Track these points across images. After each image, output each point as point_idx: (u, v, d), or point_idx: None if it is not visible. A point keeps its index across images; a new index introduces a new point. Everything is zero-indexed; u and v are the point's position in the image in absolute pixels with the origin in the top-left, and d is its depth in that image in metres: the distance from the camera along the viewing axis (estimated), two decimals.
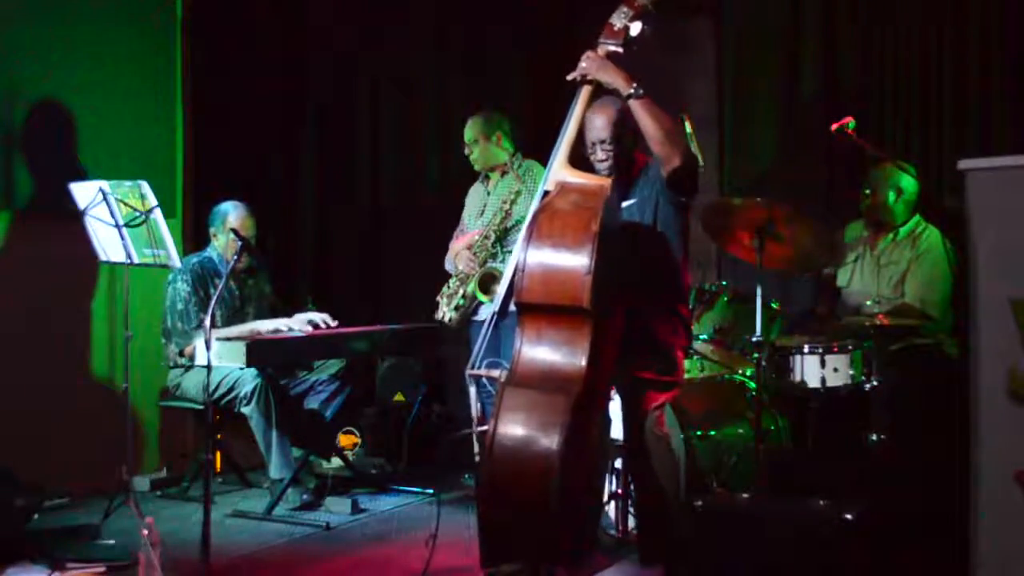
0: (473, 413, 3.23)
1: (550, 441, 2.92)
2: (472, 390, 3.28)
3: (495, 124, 4.75)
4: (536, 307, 3.09)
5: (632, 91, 3.26)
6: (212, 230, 4.82)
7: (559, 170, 3.29)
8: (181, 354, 4.71)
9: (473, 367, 3.29)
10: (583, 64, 3.34)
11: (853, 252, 4.56)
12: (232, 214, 4.75)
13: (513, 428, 2.97)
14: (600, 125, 3.43)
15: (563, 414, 2.95)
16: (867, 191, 4.49)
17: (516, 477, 2.95)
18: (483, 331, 3.34)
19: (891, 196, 4.43)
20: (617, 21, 3.35)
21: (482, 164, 4.81)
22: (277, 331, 4.57)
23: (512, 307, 3.22)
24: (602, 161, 3.43)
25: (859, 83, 5.00)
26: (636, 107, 3.26)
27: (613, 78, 3.29)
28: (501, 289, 3.32)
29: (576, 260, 3.02)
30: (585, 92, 3.34)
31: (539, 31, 5.89)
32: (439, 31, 6.01)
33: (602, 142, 3.42)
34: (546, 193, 3.27)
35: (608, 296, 3.13)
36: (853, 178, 4.69)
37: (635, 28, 3.33)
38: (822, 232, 4.05)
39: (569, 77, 3.35)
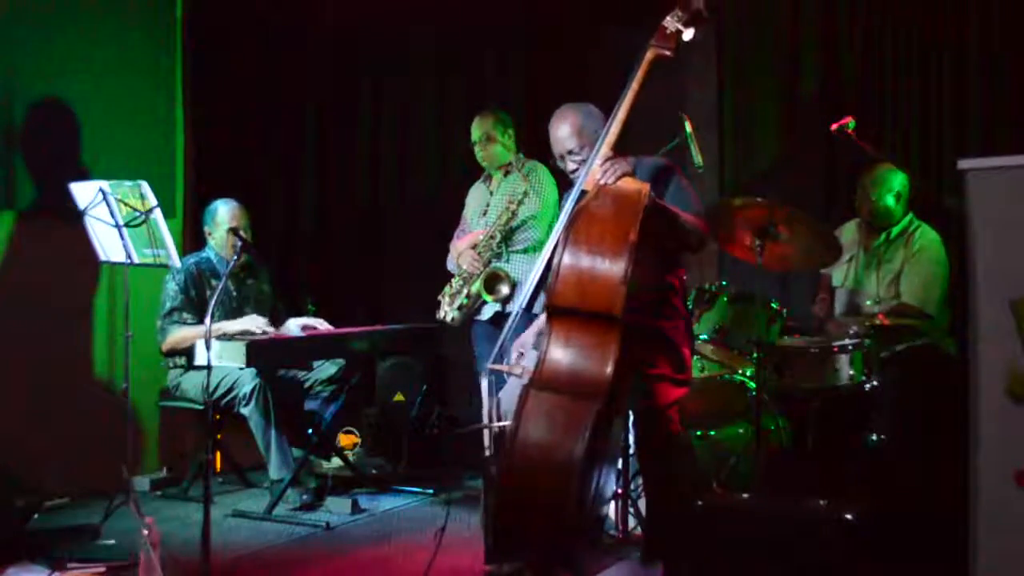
0: (485, 408, 3.22)
1: (573, 447, 2.90)
2: (484, 384, 3.27)
3: (505, 123, 4.74)
4: (567, 311, 3.07)
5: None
6: (206, 229, 4.83)
7: (597, 171, 3.24)
8: (161, 351, 4.72)
9: (493, 361, 3.28)
10: (612, 170, 3.18)
11: (847, 252, 4.57)
12: (223, 210, 4.76)
13: (536, 431, 2.95)
14: (565, 135, 3.41)
15: (588, 421, 2.93)
16: (865, 194, 4.49)
17: (535, 480, 2.93)
18: (507, 327, 3.33)
19: (890, 199, 4.43)
20: (670, 25, 3.28)
21: (492, 163, 4.78)
22: (245, 332, 4.53)
23: (536, 308, 3.22)
24: (573, 172, 3.39)
25: (859, 83, 5.00)
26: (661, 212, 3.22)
27: (660, 208, 3.20)
28: (529, 285, 3.30)
29: (613, 268, 2.99)
30: (631, 94, 3.26)
31: (539, 31, 5.89)
32: (439, 30, 6.01)
33: (570, 152, 3.39)
34: (583, 193, 3.24)
35: (633, 300, 3.13)
36: (853, 178, 4.69)
37: (688, 34, 3.28)
38: (822, 232, 4.06)
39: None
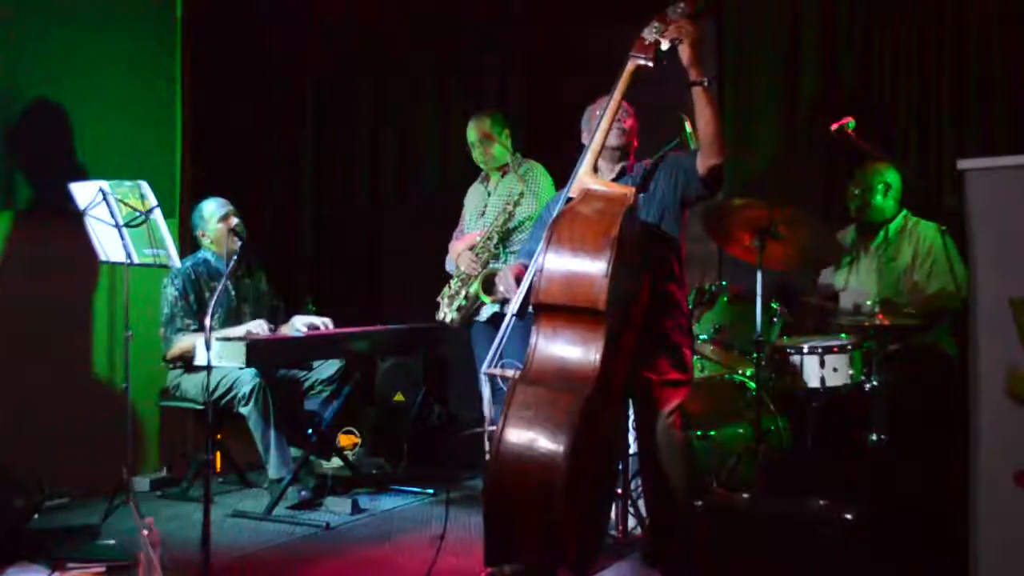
0: (486, 412, 3.23)
1: (557, 440, 2.92)
2: (486, 390, 3.28)
3: (501, 122, 4.74)
4: (553, 307, 3.10)
5: (706, 81, 3.26)
6: (198, 232, 4.82)
7: (584, 178, 3.31)
8: (165, 359, 4.71)
9: (489, 366, 3.29)
10: (680, 29, 3.24)
11: (847, 255, 4.57)
12: (209, 205, 4.76)
13: (521, 424, 2.97)
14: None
15: (572, 414, 2.94)
16: (856, 191, 4.50)
17: (521, 475, 2.94)
18: (501, 331, 3.34)
19: (878, 195, 4.45)
20: (648, 35, 3.33)
21: (492, 163, 4.75)
22: (250, 333, 4.52)
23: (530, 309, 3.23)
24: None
25: (859, 83, 5.00)
26: (702, 96, 3.27)
27: (698, 55, 3.25)
28: (520, 290, 3.32)
29: (594, 264, 3.04)
30: (613, 103, 3.32)
31: (539, 32, 5.89)
32: (439, 31, 6.01)
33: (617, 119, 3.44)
34: (569, 199, 3.29)
35: (625, 299, 3.14)
36: (853, 178, 4.69)
37: (666, 43, 3.31)
38: (822, 232, 4.06)
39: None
